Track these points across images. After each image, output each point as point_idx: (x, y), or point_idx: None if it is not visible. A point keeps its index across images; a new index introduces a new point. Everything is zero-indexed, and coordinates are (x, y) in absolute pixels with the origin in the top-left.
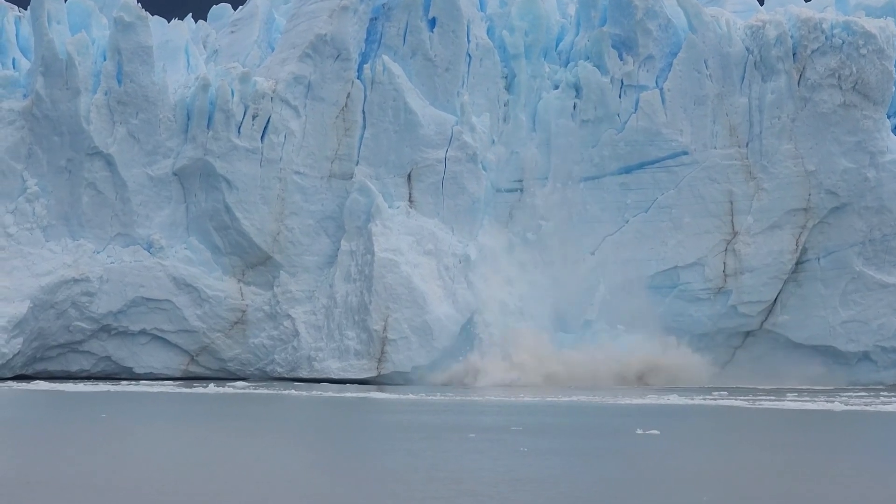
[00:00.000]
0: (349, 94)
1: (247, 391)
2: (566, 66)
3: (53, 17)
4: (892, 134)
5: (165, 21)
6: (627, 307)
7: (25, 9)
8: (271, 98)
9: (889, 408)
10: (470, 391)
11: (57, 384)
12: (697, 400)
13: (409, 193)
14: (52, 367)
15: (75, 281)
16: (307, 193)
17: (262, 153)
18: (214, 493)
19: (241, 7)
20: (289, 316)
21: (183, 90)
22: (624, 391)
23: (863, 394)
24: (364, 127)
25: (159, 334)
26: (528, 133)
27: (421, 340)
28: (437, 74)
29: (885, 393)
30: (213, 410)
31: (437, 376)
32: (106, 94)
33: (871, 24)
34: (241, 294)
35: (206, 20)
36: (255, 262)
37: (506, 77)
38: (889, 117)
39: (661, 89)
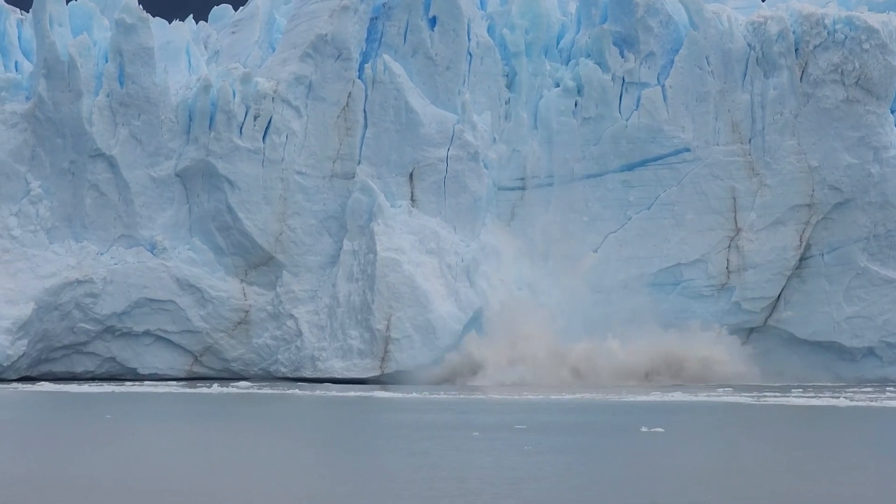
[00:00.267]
0: (350, 93)
1: (250, 391)
2: (567, 64)
3: (55, 19)
4: (895, 129)
5: (167, 22)
6: (630, 304)
7: (27, 11)
8: (272, 98)
9: (894, 403)
10: (473, 389)
11: (62, 385)
12: (702, 397)
13: (411, 192)
14: (57, 368)
15: (79, 282)
16: (309, 193)
17: (263, 153)
18: (219, 493)
19: (241, 8)
20: (292, 316)
21: (184, 91)
22: (628, 388)
23: (868, 389)
24: (365, 126)
25: (163, 335)
26: (529, 131)
27: (424, 339)
28: (437, 73)
29: (891, 388)
30: (217, 411)
31: (440, 375)
32: (108, 95)
33: (874, 19)
34: (245, 294)
35: (206, 21)
36: (257, 263)
37: (507, 75)
38: (893, 112)
39: (663, 86)
